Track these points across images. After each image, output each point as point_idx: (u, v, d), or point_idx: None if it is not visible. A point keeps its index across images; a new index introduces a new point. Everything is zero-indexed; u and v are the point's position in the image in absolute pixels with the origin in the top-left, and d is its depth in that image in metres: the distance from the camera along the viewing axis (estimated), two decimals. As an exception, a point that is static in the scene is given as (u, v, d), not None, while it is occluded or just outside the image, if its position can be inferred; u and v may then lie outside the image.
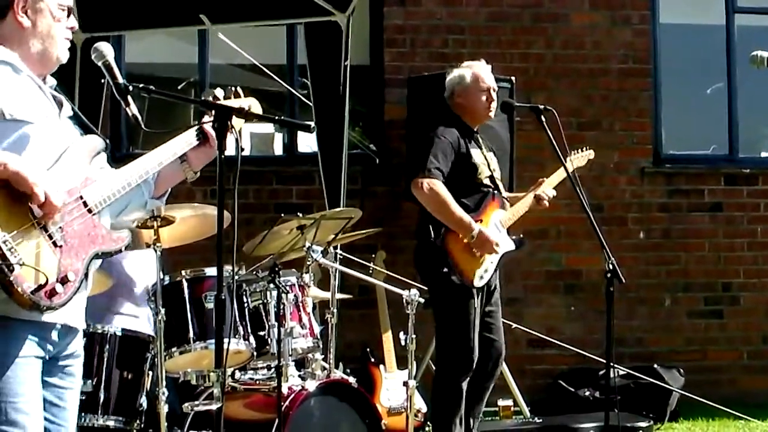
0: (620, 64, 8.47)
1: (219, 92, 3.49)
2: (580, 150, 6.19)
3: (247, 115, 3.42)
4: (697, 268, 8.48)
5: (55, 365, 3.18)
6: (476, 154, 5.84)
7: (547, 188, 6.02)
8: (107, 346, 4.93)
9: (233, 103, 3.48)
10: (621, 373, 7.43)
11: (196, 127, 3.42)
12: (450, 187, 5.68)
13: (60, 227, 3.06)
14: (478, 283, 5.72)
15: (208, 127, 3.40)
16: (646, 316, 8.38)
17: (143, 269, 5.54)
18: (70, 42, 3.32)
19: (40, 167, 3.06)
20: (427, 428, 6.73)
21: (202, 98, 3.49)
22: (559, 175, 6.01)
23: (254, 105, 3.58)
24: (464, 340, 5.69)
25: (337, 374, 5.59)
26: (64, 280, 3.04)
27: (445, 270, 5.65)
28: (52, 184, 3.03)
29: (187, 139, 3.41)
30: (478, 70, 5.98)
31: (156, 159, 3.34)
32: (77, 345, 3.27)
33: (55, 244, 3.04)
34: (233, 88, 3.54)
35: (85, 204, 3.15)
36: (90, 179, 3.19)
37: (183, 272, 5.03)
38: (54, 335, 3.14)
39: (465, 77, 5.95)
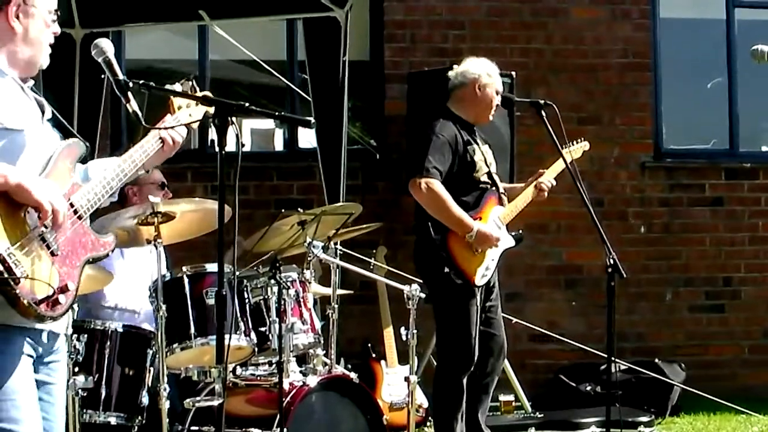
0: (620, 59, 8.46)
1: (177, 87, 3.55)
2: (576, 141, 6.17)
3: (247, 112, 3.44)
4: (698, 262, 8.48)
5: (41, 363, 3.22)
6: (475, 151, 5.80)
7: (548, 177, 5.97)
8: (108, 343, 4.92)
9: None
10: (622, 367, 7.43)
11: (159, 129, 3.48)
12: (448, 185, 5.64)
13: (55, 236, 3.08)
14: (479, 281, 5.70)
15: (164, 134, 3.45)
16: (647, 310, 8.38)
17: (144, 265, 5.53)
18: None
19: (36, 176, 3.08)
20: (428, 424, 6.74)
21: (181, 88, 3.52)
22: (559, 165, 5.98)
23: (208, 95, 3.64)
24: (465, 338, 5.68)
25: (339, 370, 5.58)
26: (64, 289, 3.08)
27: (447, 270, 5.63)
28: (54, 193, 3.06)
29: (154, 139, 3.45)
30: (496, 72, 5.95)
31: (131, 160, 3.38)
32: (59, 343, 3.31)
33: (52, 253, 3.07)
34: (190, 83, 3.58)
35: (75, 211, 3.17)
36: (77, 185, 3.23)
37: (184, 268, 5.02)
38: (44, 337, 3.19)
39: (490, 74, 5.87)
